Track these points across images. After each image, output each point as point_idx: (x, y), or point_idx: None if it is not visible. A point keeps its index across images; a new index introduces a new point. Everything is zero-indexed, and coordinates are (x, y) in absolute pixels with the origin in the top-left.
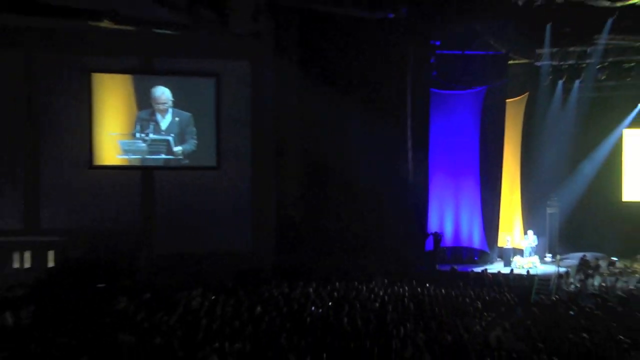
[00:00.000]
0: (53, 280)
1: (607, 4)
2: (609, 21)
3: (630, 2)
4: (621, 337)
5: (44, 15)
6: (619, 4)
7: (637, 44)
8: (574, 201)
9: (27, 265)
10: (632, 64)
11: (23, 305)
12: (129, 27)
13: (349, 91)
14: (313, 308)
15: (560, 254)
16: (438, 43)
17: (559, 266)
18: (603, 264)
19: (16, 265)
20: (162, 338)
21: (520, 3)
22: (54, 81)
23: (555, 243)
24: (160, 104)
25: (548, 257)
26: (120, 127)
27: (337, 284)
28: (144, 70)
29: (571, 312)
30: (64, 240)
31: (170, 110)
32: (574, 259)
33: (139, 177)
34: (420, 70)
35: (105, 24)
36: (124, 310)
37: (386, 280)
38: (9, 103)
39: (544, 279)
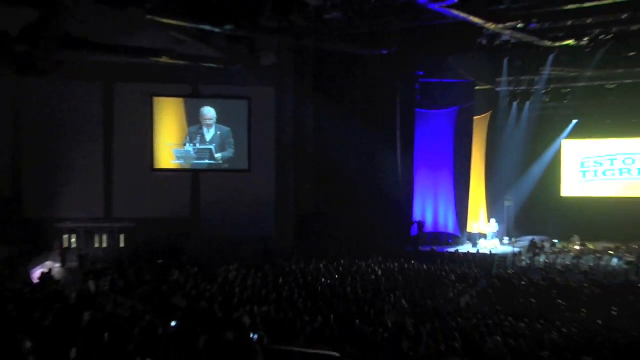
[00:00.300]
0: (125, 258)
1: (549, 44)
2: (551, 57)
3: (565, 43)
4: (559, 301)
5: (118, 54)
6: (557, 44)
7: (572, 74)
8: (525, 196)
9: (104, 245)
10: (569, 90)
11: (102, 276)
12: (181, 62)
13: (352, 110)
14: (323, 280)
15: (515, 238)
16: (421, 73)
17: (514, 247)
18: (547, 245)
19: (97, 245)
20: (206, 302)
21: (484, 42)
22: (124, 103)
23: (511, 229)
24: (207, 120)
25: (506, 240)
26: (174, 138)
27: (342, 260)
28: (192, 95)
29: (523, 283)
30: (132, 227)
31: (214, 125)
32: (525, 241)
33: (189, 177)
34: (407, 94)
35: (164, 59)
36: (177, 281)
37: (380, 258)
38: (91, 121)
39: (503, 257)
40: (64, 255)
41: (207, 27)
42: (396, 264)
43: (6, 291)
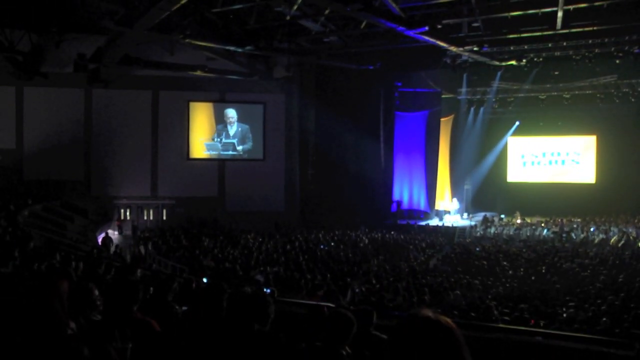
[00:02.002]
0: (167, 228)
1: (497, 63)
2: (499, 73)
3: (509, 62)
4: (504, 263)
5: (163, 68)
6: (503, 64)
7: (514, 87)
8: (480, 180)
9: (151, 218)
10: (512, 99)
11: (149, 242)
12: (212, 75)
13: (345, 112)
14: (322, 246)
15: (472, 214)
16: (399, 84)
17: (470, 221)
18: (496, 219)
19: (145, 217)
20: (229, 263)
21: (448, 61)
22: (167, 107)
23: (469, 206)
24: (230, 118)
25: (465, 216)
26: (205, 134)
27: (337, 231)
28: (220, 100)
29: (477, 249)
30: (172, 204)
31: (235, 123)
32: (479, 216)
33: (216, 165)
34: (388, 100)
35: (198, 73)
36: (207, 246)
37: (367, 229)
38: (141, 121)
39: (462, 229)
40: (121, 225)
41: (232, 48)
42: (379, 234)
43: (80, 252)
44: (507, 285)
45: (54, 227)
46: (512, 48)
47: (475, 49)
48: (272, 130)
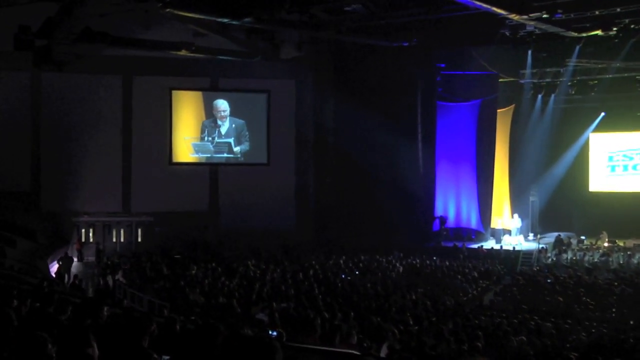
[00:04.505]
0: (142, 252)
1: (575, 34)
2: (577, 48)
3: (593, 32)
4: (587, 299)
5: (137, 47)
6: (584, 34)
7: (599, 65)
8: (550, 191)
9: (122, 239)
10: (595, 82)
11: (119, 269)
12: (200, 55)
13: (372, 102)
14: (343, 275)
15: (540, 234)
16: (442, 65)
17: (539, 243)
18: (574, 241)
19: (114, 239)
20: (224, 298)
21: (507, 33)
22: (143, 97)
23: (536, 224)
24: (221, 112)
25: (530, 236)
26: (192, 132)
27: (362, 256)
28: (211, 88)
29: (548, 280)
30: (150, 221)
31: (227, 118)
32: (550, 237)
33: (207, 171)
34: (428, 86)
35: (183, 52)
36: (195, 276)
37: (401, 254)
38: (109, 114)
39: (527, 254)
40: (81, 249)
41: (227, 20)
42: (417, 260)
43: (25, 285)
44: (593, 330)
45: None
46: (597, 13)
47: (544, 16)
48: (279, 126)
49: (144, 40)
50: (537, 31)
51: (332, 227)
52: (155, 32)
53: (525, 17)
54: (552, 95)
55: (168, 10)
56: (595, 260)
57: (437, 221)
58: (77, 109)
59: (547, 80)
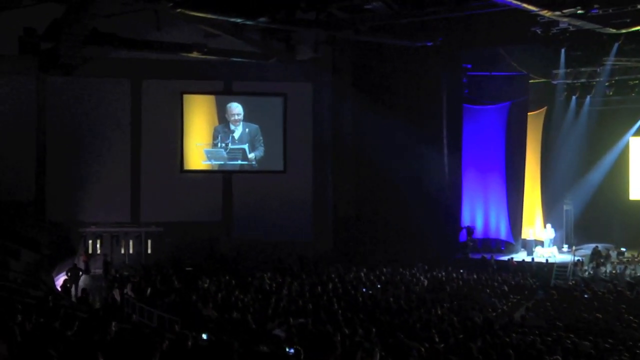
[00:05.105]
0: (152, 264)
1: (613, 31)
2: (615, 45)
3: (634, 28)
4: (630, 317)
5: (146, 50)
6: (623, 31)
7: None
8: (587, 199)
9: (130, 251)
10: (636, 82)
11: (128, 282)
12: (213, 57)
13: (394, 106)
14: (364, 289)
15: (575, 245)
16: (469, 66)
17: (574, 255)
18: (613, 253)
19: (122, 251)
20: (238, 313)
21: (538, 31)
22: (152, 101)
23: (570, 235)
24: (235, 116)
25: (565, 248)
26: (205, 138)
27: (384, 269)
28: (224, 92)
29: (586, 295)
30: (160, 231)
31: (241, 123)
32: (587, 249)
33: (220, 179)
34: (454, 88)
35: (195, 54)
36: (208, 290)
37: (426, 267)
38: (117, 120)
39: (562, 267)
40: (88, 261)
41: (240, 20)
42: (443, 273)
43: (29, 299)
44: (638, 352)
45: None
46: (638, 7)
47: (579, 11)
48: (296, 131)
49: (153, 42)
50: (571, 28)
51: (352, 237)
52: (166, 34)
53: (559, 13)
54: (588, 97)
55: (179, 10)
56: (638, 274)
57: (464, 232)
58: (83, 115)
59: (582, 80)
